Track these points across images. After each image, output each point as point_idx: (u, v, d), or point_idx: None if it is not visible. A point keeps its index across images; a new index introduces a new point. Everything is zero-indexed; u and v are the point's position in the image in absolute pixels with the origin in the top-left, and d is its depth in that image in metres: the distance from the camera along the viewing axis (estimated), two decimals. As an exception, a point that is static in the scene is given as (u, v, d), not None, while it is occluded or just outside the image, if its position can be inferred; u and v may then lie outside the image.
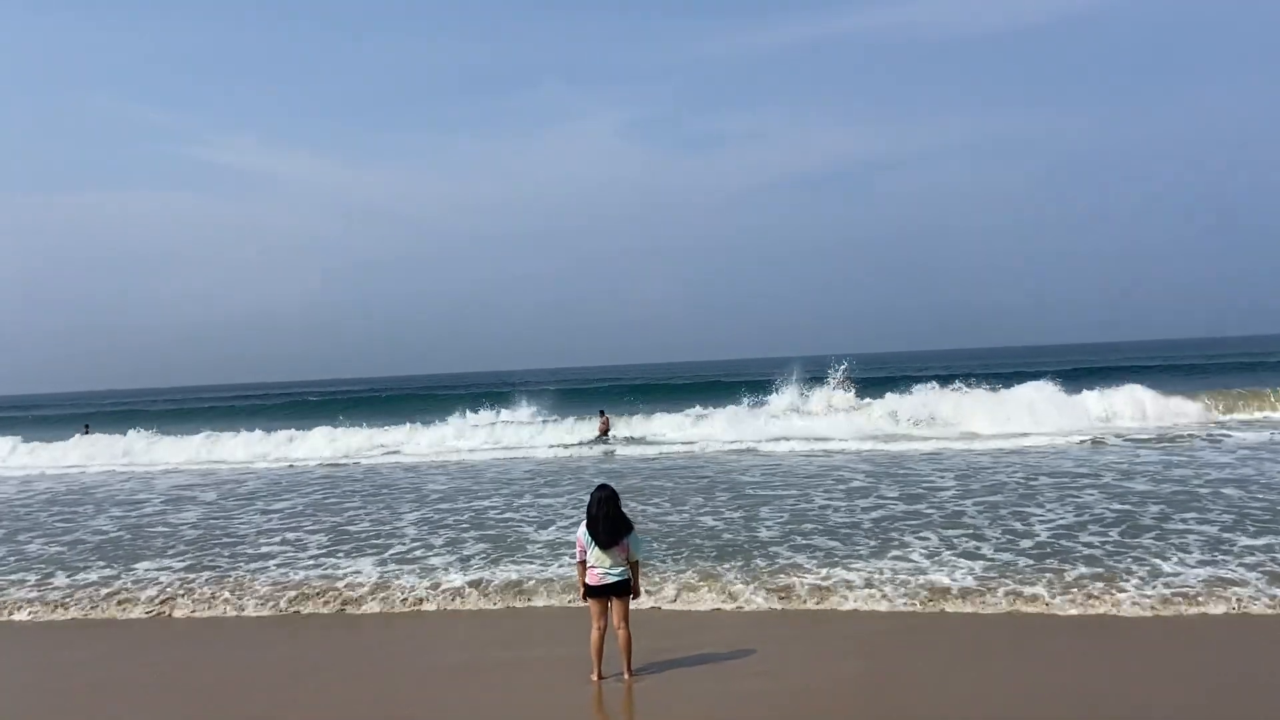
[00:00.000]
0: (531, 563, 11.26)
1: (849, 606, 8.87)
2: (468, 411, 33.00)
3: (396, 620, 9.45)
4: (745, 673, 7.23)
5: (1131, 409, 25.94)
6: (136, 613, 10.13)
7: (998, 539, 11.34)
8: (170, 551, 13.29)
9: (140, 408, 72.38)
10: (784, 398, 32.55)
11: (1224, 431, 22.84)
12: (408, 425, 29.85)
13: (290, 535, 14.10)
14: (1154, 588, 8.91)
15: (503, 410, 36.14)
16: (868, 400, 30.21)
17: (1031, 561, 10.13)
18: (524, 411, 36.30)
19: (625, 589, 7.12)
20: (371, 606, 9.80)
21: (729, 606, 9.12)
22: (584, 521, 7.14)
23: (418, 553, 12.25)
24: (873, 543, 11.42)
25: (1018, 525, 12.16)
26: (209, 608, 10.09)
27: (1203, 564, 9.70)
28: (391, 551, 12.44)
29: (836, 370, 31.59)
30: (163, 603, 10.37)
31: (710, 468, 20.71)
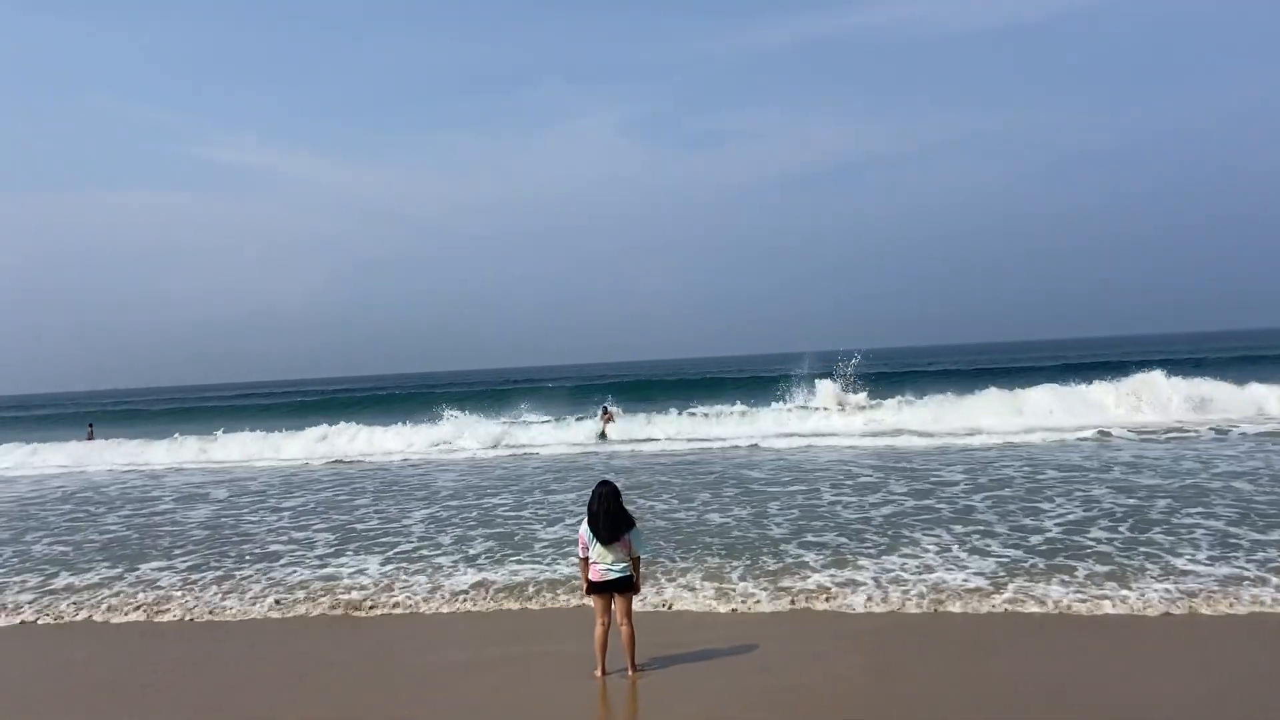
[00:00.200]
0: (538, 562, 11.20)
1: (856, 605, 8.75)
2: (474, 409, 33.02)
3: (399, 619, 9.38)
4: (749, 669, 7.20)
5: (1135, 403, 25.87)
6: (134, 615, 9.99)
7: (1007, 535, 11.26)
8: (177, 551, 13.26)
9: (143, 407, 72.46)
10: (790, 394, 32.56)
11: (1229, 423, 22.88)
12: (415, 424, 29.82)
13: (299, 534, 14.08)
14: (1166, 585, 8.78)
15: (508, 408, 36.21)
16: (876, 401, 30.15)
17: (1042, 559, 10.04)
18: (530, 409, 36.35)
19: (627, 585, 7.10)
20: (375, 606, 9.72)
21: (735, 605, 9.01)
22: (586, 518, 7.15)
23: (425, 551, 12.21)
24: (882, 540, 11.34)
25: (1028, 521, 12.08)
26: (208, 610, 9.96)
27: (1214, 560, 9.60)
28: (398, 550, 12.40)
29: (844, 368, 31.56)
30: (159, 604, 10.28)
31: (717, 464, 20.66)
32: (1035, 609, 8.37)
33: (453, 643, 8.46)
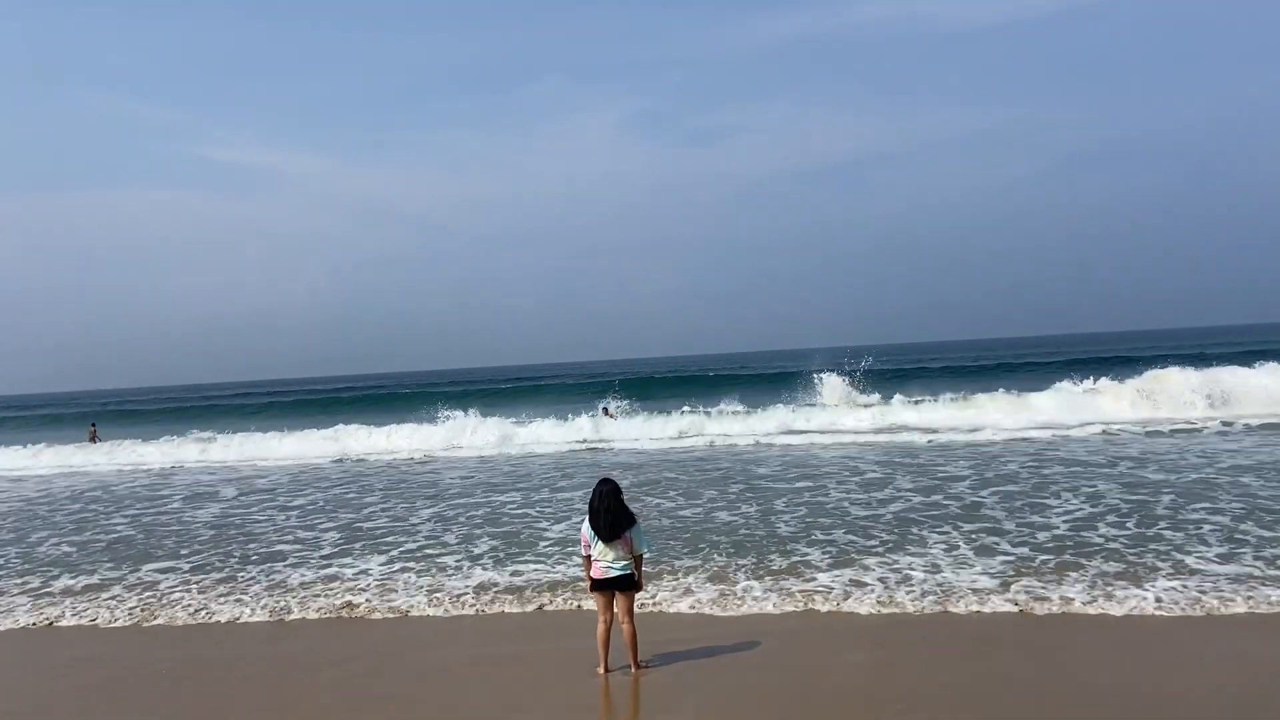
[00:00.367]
0: (541, 561, 11.15)
1: (862, 605, 8.66)
2: (478, 407, 32.98)
3: (401, 618, 9.32)
4: (752, 667, 7.18)
5: (1139, 398, 25.82)
6: (131, 617, 9.88)
7: (1015, 533, 11.20)
8: (183, 551, 13.25)
9: (145, 407, 72.56)
10: (795, 390, 32.55)
11: (1233, 416, 22.83)
12: (421, 422, 29.82)
13: (305, 533, 14.07)
14: (1178, 584, 8.69)
15: (513, 405, 36.22)
16: (882, 398, 30.14)
17: (1050, 556, 9.99)
18: (534, 407, 36.31)
19: (629, 583, 7.09)
20: (374, 610, 9.62)
21: (740, 604, 8.94)
22: (587, 516, 7.16)
23: (430, 550, 12.19)
24: (889, 538, 11.29)
25: (1035, 518, 12.03)
26: (207, 612, 9.87)
27: (1224, 558, 9.54)
28: (403, 549, 12.38)
29: (849, 364, 31.53)
30: (158, 606, 10.19)
31: (723, 461, 20.65)
32: (1044, 609, 8.26)
33: (454, 641, 8.44)
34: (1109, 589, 8.66)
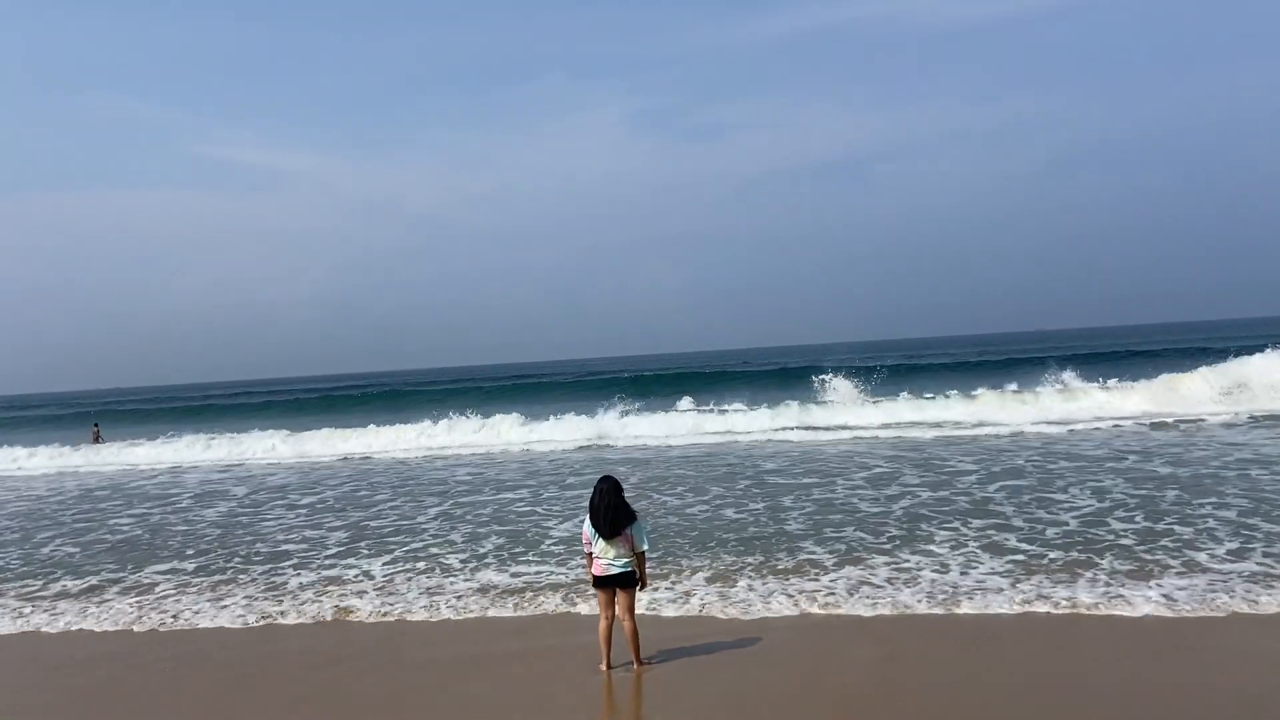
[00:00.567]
0: (545, 561, 11.06)
1: (869, 604, 8.52)
2: (482, 405, 33.00)
3: (403, 617, 9.24)
4: (755, 664, 7.15)
5: (1141, 392, 25.79)
6: (128, 620, 9.76)
7: (1023, 530, 11.11)
8: (189, 551, 13.20)
9: (146, 406, 72.56)
10: (800, 387, 32.53)
11: (1239, 410, 22.73)
12: (426, 420, 29.81)
13: (312, 532, 14.03)
14: (1190, 583, 8.57)
15: (516, 403, 36.21)
16: (887, 394, 30.11)
17: (1060, 552, 9.87)
18: (537, 404, 36.33)
19: (630, 580, 7.07)
20: (378, 608, 9.55)
21: (745, 605, 8.82)
22: (588, 514, 7.15)
23: (435, 549, 12.14)
24: (897, 535, 11.22)
25: (1043, 513, 11.96)
26: (203, 614, 9.75)
27: (1234, 555, 9.45)
28: (408, 548, 12.34)
29: (855, 362, 31.51)
30: (156, 608, 10.09)
31: (729, 457, 20.60)
32: (1054, 609, 8.10)
33: (456, 640, 8.39)
34: (1120, 588, 8.52)
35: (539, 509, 14.87)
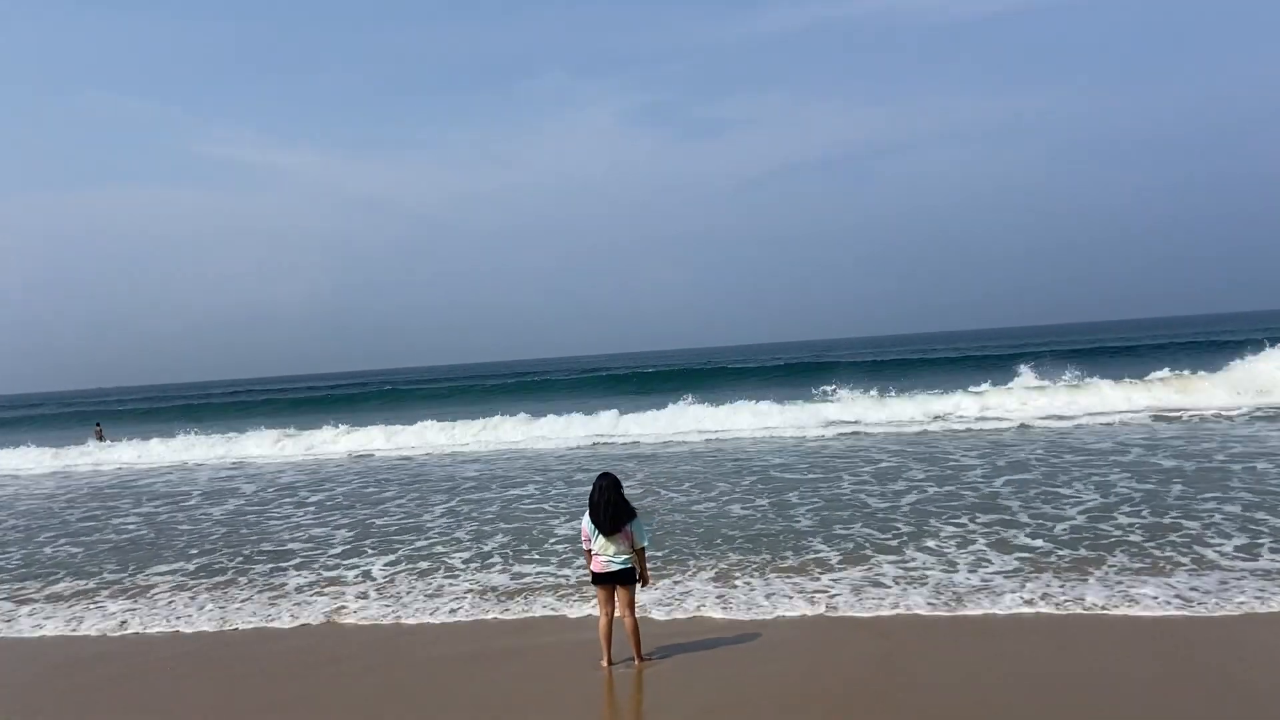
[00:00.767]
0: (548, 561, 10.96)
1: (874, 603, 8.40)
2: (485, 402, 33.01)
3: (404, 617, 9.15)
4: (757, 660, 7.12)
5: (1144, 386, 25.78)
6: (123, 623, 9.61)
7: (1029, 525, 11.03)
8: (193, 551, 13.11)
9: (146, 405, 72.56)
10: (803, 383, 32.47)
11: (1243, 404, 22.64)
12: (431, 419, 29.82)
13: (318, 531, 13.99)
14: (1202, 582, 8.45)
15: (519, 400, 36.23)
16: (892, 389, 30.12)
17: (1068, 551, 9.75)
18: (542, 402, 36.33)
19: (629, 577, 7.04)
20: (378, 608, 9.47)
21: (748, 602, 8.73)
22: (587, 510, 7.12)
23: (440, 548, 12.09)
24: (904, 532, 11.15)
25: (1049, 508, 11.90)
26: (205, 617, 9.61)
27: (1244, 551, 9.35)
28: (413, 546, 12.28)
29: (859, 358, 31.44)
30: (152, 611, 9.95)
31: (734, 453, 20.59)
32: (1062, 610, 7.95)
33: (456, 638, 8.33)
34: (1131, 587, 8.39)
35: (546, 506, 14.83)
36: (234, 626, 9.22)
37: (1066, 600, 8.12)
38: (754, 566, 9.96)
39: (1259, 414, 21.46)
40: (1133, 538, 10.16)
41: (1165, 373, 26.39)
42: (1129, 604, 7.92)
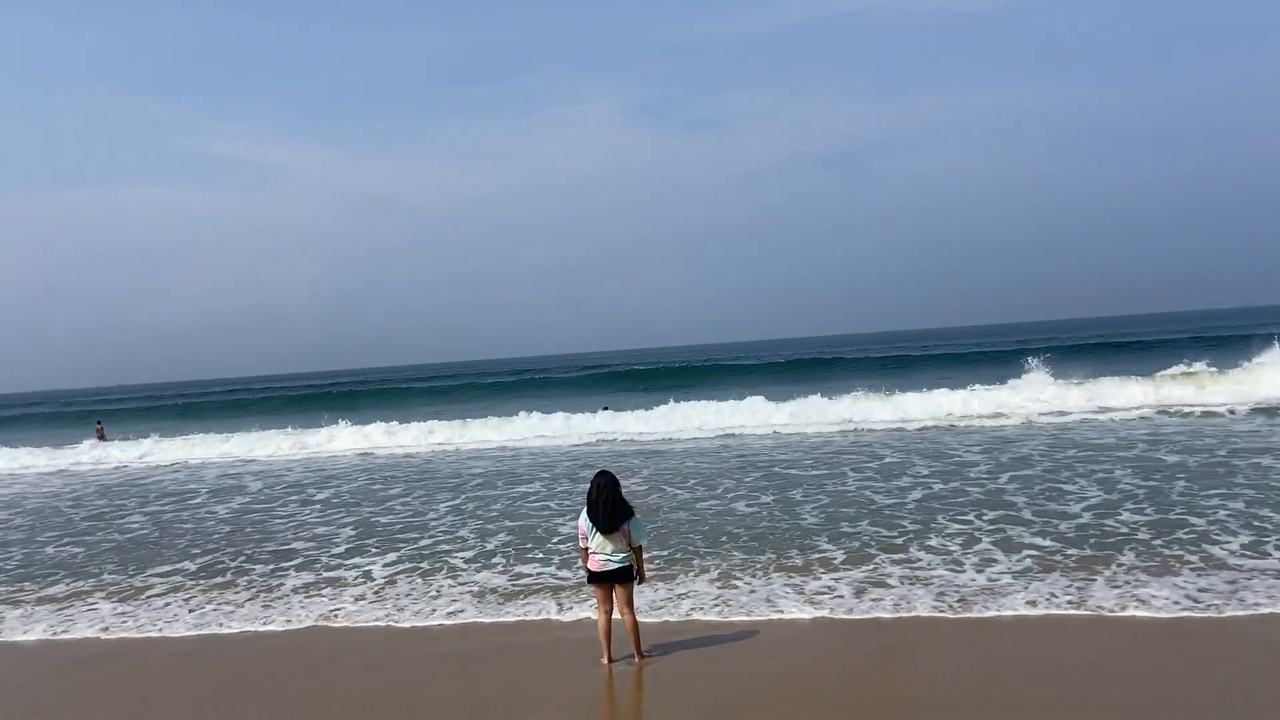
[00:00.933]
0: (551, 560, 10.86)
1: (881, 604, 8.28)
2: (486, 400, 32.98)
3: (403, 615, 9.12)
4: (757, 657, 7.10)
5: (1145, 382, 25.78)
6: (116, 625, 9.49)
7: (1035, 523, 10.92)
8: (195, 550, 13.02)
9: (149, 404, 72.54)
10: (805, 379, 32.44)
11: (1245, 400, 22.56)
12: (435, 416, 29.76)
13: (322, 530, 13.89)
14: (1211, 581, 8.30)
15: (521, 397, 36.23)
16: (895, 385, 30.12)
17: (1075, 550, 9.59)
18: (544, 399, 36.32)
19: (627, 576, 7.03)
20: (377, 609, 9.38)
21: (750, 601, 8.64)
22: (585, 508, 7.11)
23: (444, 546, 12.02)
24: (911, 528, 11.06)
25: (1055, 505, 11.80)
26: (202, 619, 9.50)
27: (1251, 550, 9.22)
28: (416, 545, 12.20)
29: (863, 353, 31.42)
30: (148, 613, 9.82)
31: (741, 448, 20.56)
32: (1072, 610, 7.79)
33: (457, 636, 8.29)
34: (1141, 587, 8.26)
35: (551, 504, 14.76)
36: (231, 628, 9.10)
37: (1075, 601, 7.97)
38: (758, 566, 9.86)
39: (1259, 408, 21.43)
40: (1140, 535, 10.05)
41: (1170, 368, 26.38)
42: (1139, 605, 7.78)
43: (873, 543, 10.55)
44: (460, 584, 10.04)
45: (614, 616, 7.20)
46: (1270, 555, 9.05)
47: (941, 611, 7.98)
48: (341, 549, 12.43)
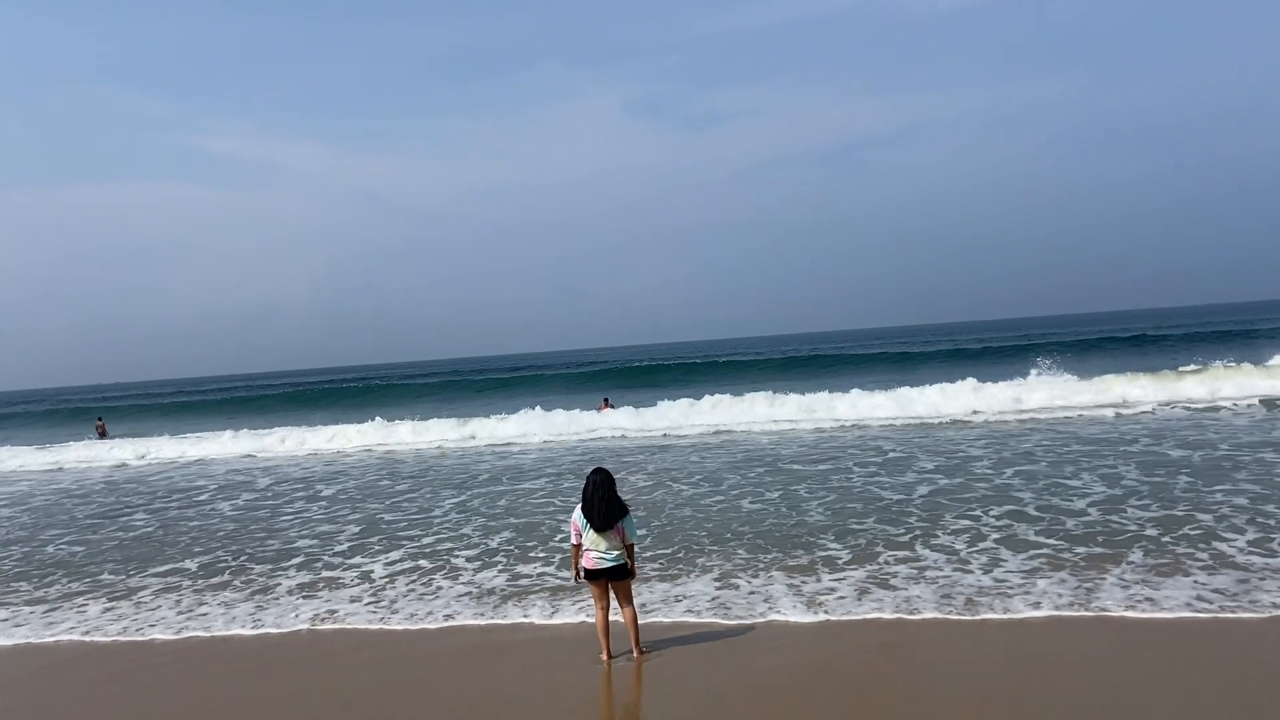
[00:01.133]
0: (552, 559, 10.71)
1: (884, 604, 8.11)
2: (487, 397, 32.89)
3: (403, 614, 9.01)
4: (756, 650, 7.04)
5: (1147, 378, 25.75)
6: (114, 626, 9.33)
7: (1045, 521, 10.76)
8: (197, 549, 12.89)
9: (148, 401, 72.44)
10: (807, 375, 32.35)
11: (1250, 394, 22.42)
12: (438, 414, 29.71)
13: (326, 528, 13.75)
14: (1221, 580, 8.13)
15: (523, 395, 36.17)
16: (895, 381, 30.11)
17: (1084, 549, 9.41)
18: (545, 395, 36.25)
19: (622, 573, 7.04)
20: (377, 609, 9.26)
21: (751, 600, 8.51)
22: (579, 505, 7.09)
23: (448, 543, 11.92)
24: (917, 528, 10.91)
25: (1060, 501, 11.67)
26: (200, 620, 9.36)
27: (1258, 547, 9.06)
28: (420, 543, 12.09)
29: (865, 349, 31.36)
30: (145, 615, 9.68)
31: (744, 444, 20.47)
32: (1080, 611, 7.61)
33: (456, 635, 8.21)
34: (1150, 588, 8.05)
35: (556, 500, 14.64)
36: (217, 631, 8.93)
37: (1084, 602, 7.79)
38: (762, 563, 9.72)
39: (1262, 403, 21.36)
40: (1149, 532, 9.88)
41: (1171, 362, 26.38)
42: (1149, 605, 7.59)
43: (881, 541, 10.38)
44: (460, 584, 9.90)
45: (614, 615, 7.14)
46: (1278, 554, 8.87)
47: (948, 613, 7.81)
48: (344, 547, 12.31)
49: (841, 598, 8.38)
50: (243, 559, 12.10)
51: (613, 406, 29.34)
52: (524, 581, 9.79)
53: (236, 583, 10.80)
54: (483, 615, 8.69)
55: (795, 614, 7.96)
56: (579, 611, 8.44)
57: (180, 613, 9.68)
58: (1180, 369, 25.96)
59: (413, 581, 10.17)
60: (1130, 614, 7.46)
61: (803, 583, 8.94)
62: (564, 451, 21.84)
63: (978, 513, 11.50)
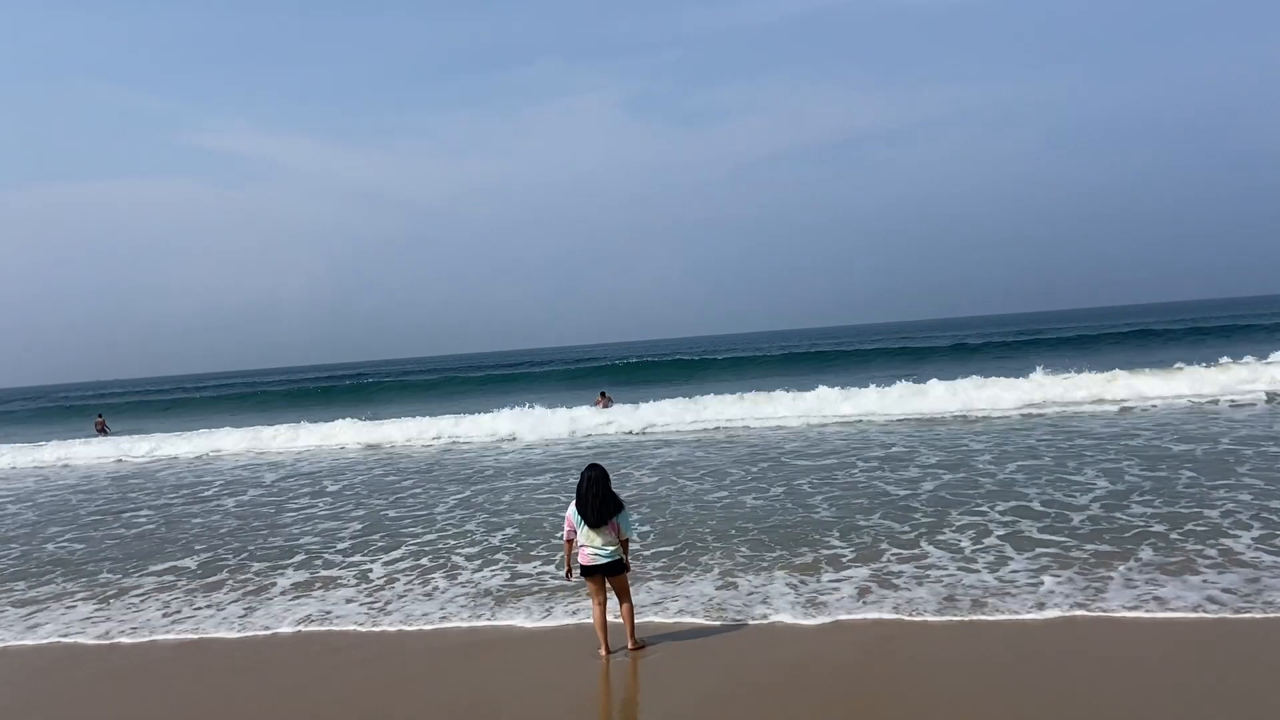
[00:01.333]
0: (553, 557, 10.55)
1: (885, 604, 7.97)
2: (485, 395, 32.84)
3: (403, 612, 8.92)
4: (757, 649, 7.00)
5: (1150, 373, 25.72)
6: (111, 630, 9.14)
7: (1044, 517, 10.63)
8: (198, 546, 12.78)
9: (147, 399, 72.36)
10: (808, 372, 32.31)
11: (1253, 389, 22.49)
12: (438, 411, 29.64)
13: (328, 525, 13.64)
14: (1230, 579, 7.97)
15: (524, 392, 36.09)
16: (895, 375, 30.10)
17: (1091, 546, 9.25)
18: (545, 393, 36.19)
19: (618, 568, 7.05)
20: (375, 609, 9.15)
21: (752, 599, 8.39)
22: (574, 500, 7.08)
23: (450, 540, 11.82)
24: (923, 522, 10.79)
25: (1063, 496, 11.55)
26: (189, 620, 9.22)
27: (1264, 544, 8.89)
28: (421, 540, 12.01)
29: (865, 345, 31.34)
30: (143, 616, 9.55)
31: (748, 439, 20.38)
32: (1086, 611, 7.44)
33: (455, 633, 8.14)
34: (1159, 587, 7.88)
35: (560, 496, 14.54)
36: (202, 633, 8.81)
37: (1091, 602, 7.61)
38: (764, 561, 9.60)
39: (1266, 397, 21.31)
40: (1155, 528, 9.72)
41: (1174, 356, 26.33)
42: (1158, 605, 7.43)
43: (885, 538, 10.23)
44: (459, 583, 9.76)
45: (614, 616, 7.10)
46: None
47: (953, 614, 7.65)
48: (346, 544, 12.21)
49: (843, 597, 8.24)
50: (243, 556, 11.98)
51: (611, 400, 29.29)
52: (521, 583, 9.65)
53: (231, 582, 10.68)
54: (481, 613, 8.61)
55: (797, 613, 7.83)
56: (579, 611, 8.33)
57: (166, 615, 9.53)
58: (1182, 364, 25.88)
59: (410, 582, 10.05)
60: (1139, 615, 7.30)
61: (803, 581, 8.82)
62: (568, 447, 21.77)
63: (984, 508, 11.37)
